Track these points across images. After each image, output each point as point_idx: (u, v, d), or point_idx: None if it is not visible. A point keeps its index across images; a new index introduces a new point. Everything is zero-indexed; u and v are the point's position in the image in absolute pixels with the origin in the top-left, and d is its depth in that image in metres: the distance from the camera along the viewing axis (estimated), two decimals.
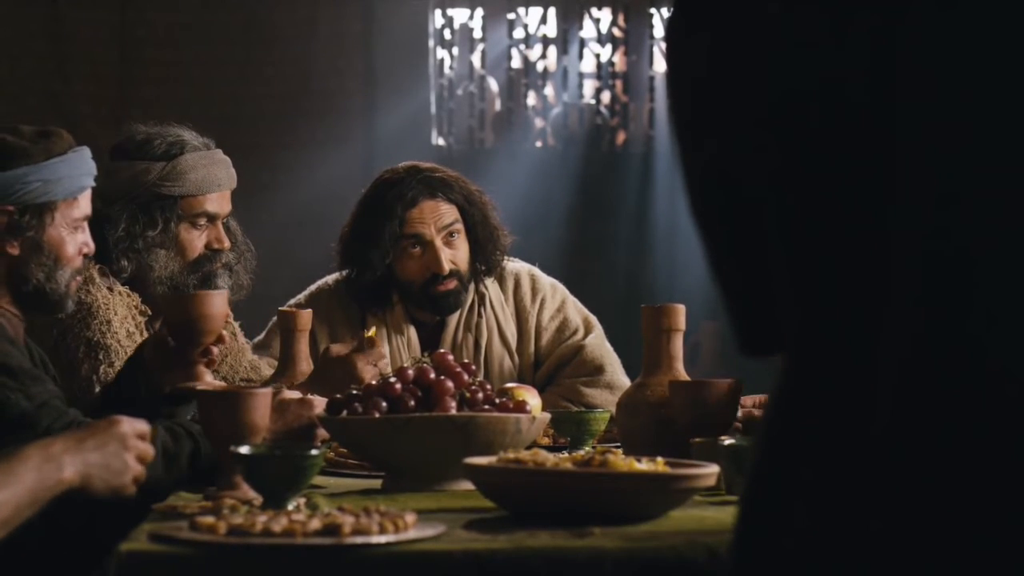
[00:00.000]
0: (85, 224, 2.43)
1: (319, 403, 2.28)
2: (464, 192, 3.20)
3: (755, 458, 1.12)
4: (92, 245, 2.44)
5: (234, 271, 2.89)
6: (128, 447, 1.83)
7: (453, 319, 3.25)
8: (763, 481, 1.10)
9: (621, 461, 1.83)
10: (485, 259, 3.23)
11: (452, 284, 3.16)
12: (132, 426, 1.85)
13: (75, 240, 2.38)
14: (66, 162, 2.36)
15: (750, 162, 1.09)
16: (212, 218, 2.88)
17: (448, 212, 3.17)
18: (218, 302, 2.34)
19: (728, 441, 2.07)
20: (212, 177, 2.88)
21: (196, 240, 2.86)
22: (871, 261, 1.03)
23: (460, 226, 3.19)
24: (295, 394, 2.32)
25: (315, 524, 1.61)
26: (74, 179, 2.37)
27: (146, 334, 2.75)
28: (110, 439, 1.82)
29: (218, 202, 2.89)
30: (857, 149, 1.04)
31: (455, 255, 3.17)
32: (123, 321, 2.71)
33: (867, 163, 1.03)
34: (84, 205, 2.41)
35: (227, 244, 2.89)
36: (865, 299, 1.03)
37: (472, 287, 3.25)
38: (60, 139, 2.38)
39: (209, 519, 1.65)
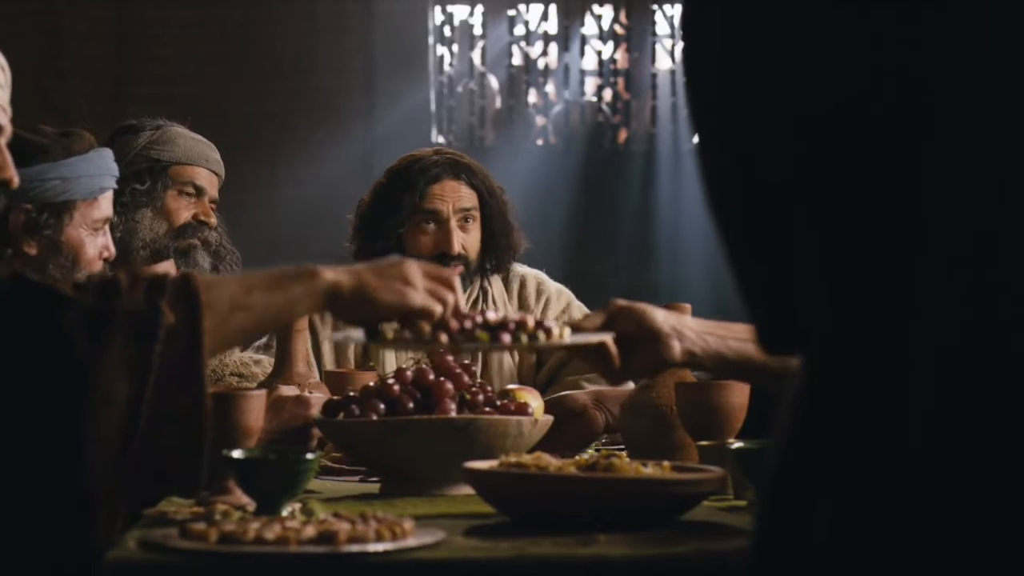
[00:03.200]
0: (106, 227, 2.37)
1: (316, 402, 2.24)
2: (487, 183, 3.24)
3: (774, 462, 1.07)
4: (113, 249, 2.39)
5: (218, 267, 2.92)
6: (411, 282, 1.65)
7: None
8: (785, 487, 1.06)
9: (626, 465, 1.79)
10: (496, 254, 3.24)
11: (458, 270, 3.17)
12: (423, 266, 1.68)
13: (95, 243, 2.33)
14: (86, 161, 2.31)
15: (771, 153, 1.04)
16: (200, 192, 2.94)
17: (468, 196, 3.20)
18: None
19: (737, 444, 2.02)
20: (200, 150, 2.99)
21: (183, 209, 2.94)
22: (904, 256, 0.99)
23: (477, 214, 3.22)
24: (292, 391, 2.27)
25: (309, 531, 1.57)
26: (94, 179, 2.32)
27: None
28: (393, 268, 1.66)
29: (207, 180, 2.99)
30: (885, 142, 0.99)
31: (466, 240, 3.20)
32: None
33: (897, 155, 0.99)
34: (105, 207, 2.36)
35: (213, 221, 2.96)
36: (897, 296, 0.99)
37: (477, 281, 3.25)
38: (81, 139, 2.34)
39: (200, 526, 1.61)
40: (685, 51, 1.14)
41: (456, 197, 3.18)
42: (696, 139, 1.13)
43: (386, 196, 3.19)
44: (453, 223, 3.17)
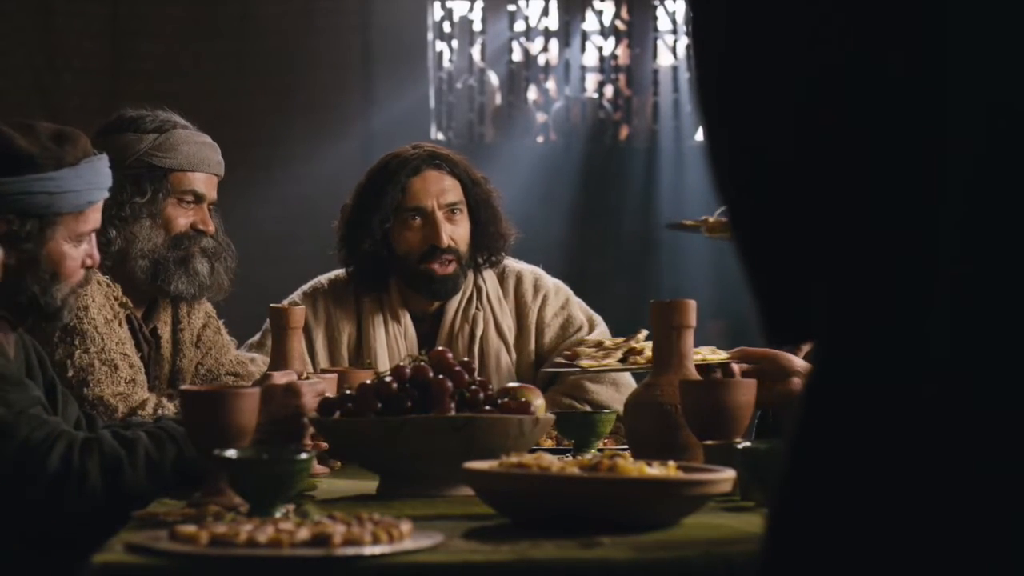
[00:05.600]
0: (92, 235, 2.29)
1: (307, 390, 2.19)
2: (469, 172, 3.20)
3: (786, 461, 1.03)
4: (97, 256, 2.31)
5: (215, 265, 2.85)
6: None
7: (451, 309, 3.21)
8: (797, 487, 1.01)
9: (631, 465, 1.74)
10: (487, 244, 3.19)
11: (450, 267, 3.14)
12: None
13: (77, 253, 2.24)
14: (77, 174, 2.20)
15: (778, 138, 1.00)
16: (199, 199, 2.87)
17: (452, 189, 3.16)
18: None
19: (743, 444, 1.97)
20: (203, 155, 2.88)
21: (181, 217, 2.85)
22: (919, 238, 0.94)
23: (463, 206, 3.18)
24: (290, 376, 2.23)
25: (303, 534, 1.53)
26: (82, 193, 2.22)
27: (125, 326, 2.70)
28: None
29: (206, 184, 2.88)
30: (899, 118, 0.95)
31: (455, 232, 3.15)
32: (101, 308, 2.66)
33: (910, 133, 0.94)
34: (93, 218, 2.26)
35: (212, 228, 2.88)
36: (912, 284, 0.94)
37: (471, 277, 3.21)
38: (75, 146, 2.23)
39: (190, 528, 1.56)
40: (692, 37, 1.10)
41: (439, 190, 3.14)
42: (703, 126, 1.09)
43: (368, 195, 3.15)
44: (440, 215, 3.12)
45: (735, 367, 2.50)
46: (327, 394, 2.21)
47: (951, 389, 0.93)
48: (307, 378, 2.30)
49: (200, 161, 2.85)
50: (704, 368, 2.41)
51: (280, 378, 2.21)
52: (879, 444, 0.96)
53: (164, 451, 2.11)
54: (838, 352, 1.00)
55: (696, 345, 2.39)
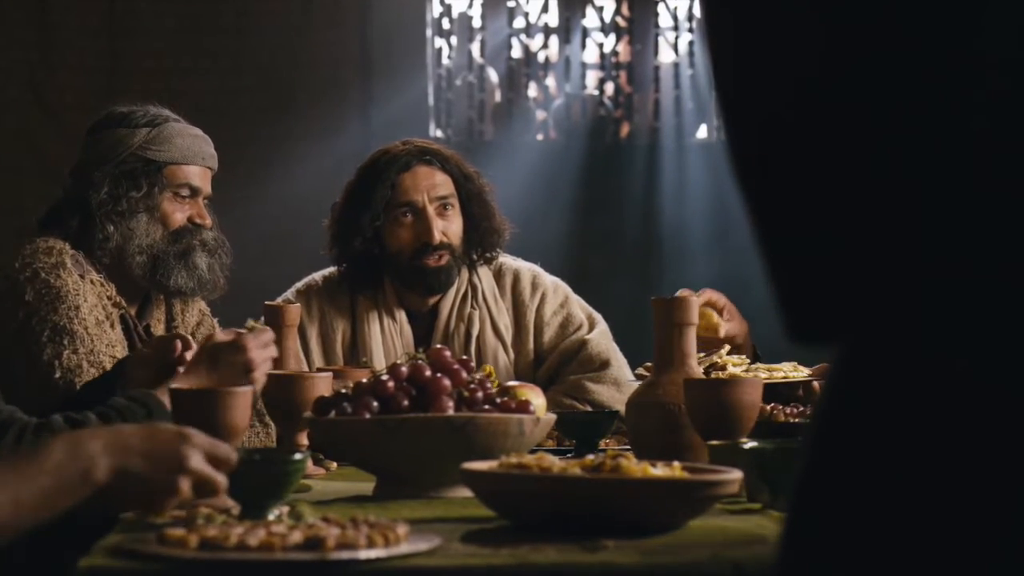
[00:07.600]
0: None
1: (253, 344, 2.15)
2: (460, 167, 3.18)
3: (804, 462, 0.99)
4: None
5: (212, 261, 2.83)
6: (186, 468, 1.50)
7: (446, 307, 3.17)
8: (815, 488, 0.97)
9: (635, 466, 1.70)
10: (481, 240, 3.15)
11: (443, 259, 3.11)
12: (204, 445, 1.53)
13: None
14: None
15: (803, 127, 0.96)
16: (195, 192, 2.86)
17: (443, 184, 3.14)
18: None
19: (750, 444, 1.93)
20: (197, 148, 2.88)
21: (178, 212, 2.84)
22: (950, 232, 0.90)
23: (455, 201, 3.15)
24: (232, 333, 2.19)
25: (296, 537, 1.49)
26: None
27: (119, 326, 2.67)
28: (167, 453, 1.50)
29: (201, 177, 2.87)
30: (926, 108, 0.91)
31: (447, 227, 3.13)
32: (92, 309, 2.63)
33: (946, 117, 0.90)
34: None
35: (209, 222, 2.87)
36: (946, 280, 0.90)
37: (465, 275, 3.18)
38: None
39: (179, 531, 1.53)
40: (703, 19, 1.06)
41: (430, 185, 3.11)
42: (721, 119, 1.05)
43: (359, 193, 3.13)
44: (431, 211, 3.10)
45: (816, 384, 2.48)
46: (272, 345, 2.20)
47: (983, 390, 0.89)
48: (251, 330, 2.24)
49: (194, 154, 2.84)
50: (787, 385, 2.40)
51: (223, 336, 2.19)
52: (906, 444, 0.92)
53: None
54: (862, 351, 0.96)
55: (778, 361, 2.40)
